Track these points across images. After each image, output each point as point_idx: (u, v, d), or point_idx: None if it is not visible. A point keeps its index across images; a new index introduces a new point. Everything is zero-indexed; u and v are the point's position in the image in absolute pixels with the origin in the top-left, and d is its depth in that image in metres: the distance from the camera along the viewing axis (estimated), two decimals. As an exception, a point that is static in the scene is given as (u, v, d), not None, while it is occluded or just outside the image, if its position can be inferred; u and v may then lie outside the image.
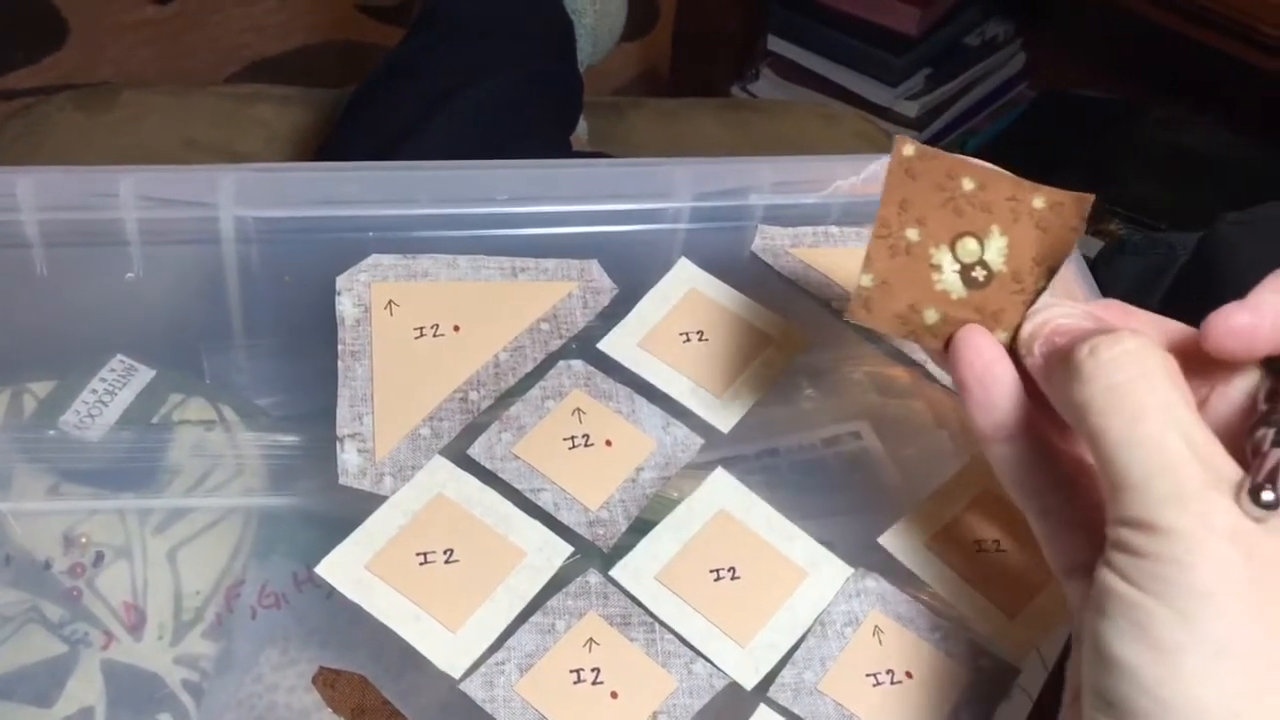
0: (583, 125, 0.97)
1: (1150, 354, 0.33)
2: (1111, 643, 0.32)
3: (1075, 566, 0.36)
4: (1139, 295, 0.69)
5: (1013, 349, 0.38)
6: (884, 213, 0.39)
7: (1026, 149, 1.50)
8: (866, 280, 0.39)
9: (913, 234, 0.39)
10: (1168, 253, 0.69)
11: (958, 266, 0.39)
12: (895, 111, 1.54)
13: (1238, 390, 0.36)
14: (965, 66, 1.58)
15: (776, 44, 1.59)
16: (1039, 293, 0.39)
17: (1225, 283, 0.65)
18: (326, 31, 1.72)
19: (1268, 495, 0.31)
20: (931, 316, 0.39)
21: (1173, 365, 0.34)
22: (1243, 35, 1.21)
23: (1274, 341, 0.34)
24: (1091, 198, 0.39)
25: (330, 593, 0.44)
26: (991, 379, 0.38)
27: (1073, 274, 0.52)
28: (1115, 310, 0.39)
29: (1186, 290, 0.67)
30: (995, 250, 0.39)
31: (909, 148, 0.39)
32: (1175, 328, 0.38)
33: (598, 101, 1.04)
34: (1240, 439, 0.34)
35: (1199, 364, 0.36)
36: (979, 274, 0.39)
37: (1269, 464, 0.32)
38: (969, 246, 0.39)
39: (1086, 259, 0.55)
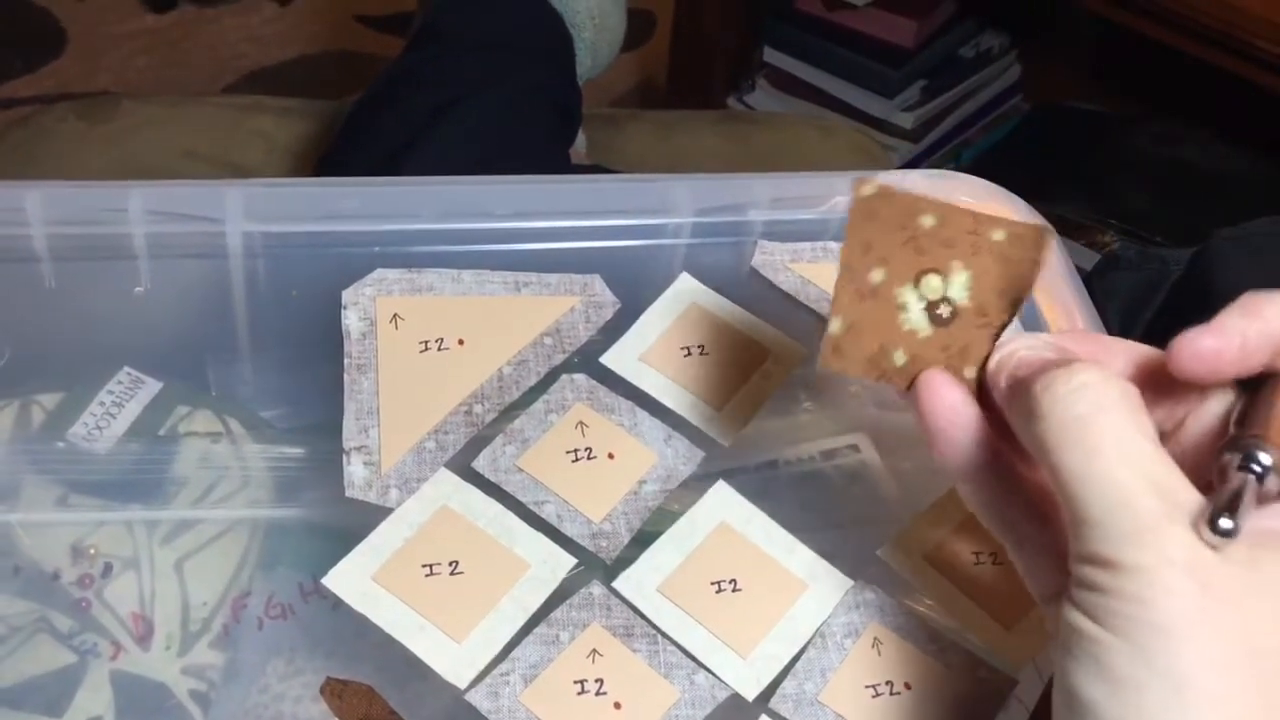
0: (581, 138, 0.98)
1: (1107, 386, 0.33)
2: (1074, 680, 0.32)
3: (1056, 592, 0.36)
4: (1133, 310, 0.69)
5: (983, 382, 0.39)
6: (847, 257, 0.39)
7: (1021, 162, 1.51)
8: (835, 326, 0.39)
9: (877, 275, 0.39)
10: (1161, 267, 0.69)
11: (923, 304, 0.39)
12: (891, 123, 1.55)
13: (1211, 413, 0.36)
14: (961, 79, 1.59)
15: (772, 56, 1.60)
16: (1004, 325, 0.39)
17: (1218, 297, 0.65)
18: (324, 41, 1.73)
19: (1225, 523, 0.31)
20: (900, 358, 0.39)
21: (1133, 396, 0.34)
22: (1239, 51, 1.21)
23: (1239, 365, 0.34)
24: (1050, 230, 0.39)
25: (337, 604, 0.44)
26: (956, 423, 0.38)
27: (1068, 291, 0.53)
28: (1084, 338, 0.39)
29: (1180, 305, 0.68)
30: (958, 285, 0.39)
31: (866, 188, 0.39)
32: (1147, 353, 0.38)
33: (595, 114, 1.05)
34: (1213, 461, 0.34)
35: (1173, 388, 0.36)
36: (944, 310, 0.39)
37: (1230, 489, 0.32)
38: (932, 283, 0.39)
39: (1081, 272, 0.56)
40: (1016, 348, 0.38)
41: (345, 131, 0.88)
